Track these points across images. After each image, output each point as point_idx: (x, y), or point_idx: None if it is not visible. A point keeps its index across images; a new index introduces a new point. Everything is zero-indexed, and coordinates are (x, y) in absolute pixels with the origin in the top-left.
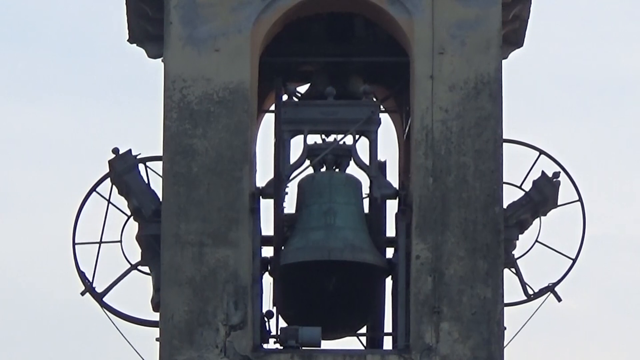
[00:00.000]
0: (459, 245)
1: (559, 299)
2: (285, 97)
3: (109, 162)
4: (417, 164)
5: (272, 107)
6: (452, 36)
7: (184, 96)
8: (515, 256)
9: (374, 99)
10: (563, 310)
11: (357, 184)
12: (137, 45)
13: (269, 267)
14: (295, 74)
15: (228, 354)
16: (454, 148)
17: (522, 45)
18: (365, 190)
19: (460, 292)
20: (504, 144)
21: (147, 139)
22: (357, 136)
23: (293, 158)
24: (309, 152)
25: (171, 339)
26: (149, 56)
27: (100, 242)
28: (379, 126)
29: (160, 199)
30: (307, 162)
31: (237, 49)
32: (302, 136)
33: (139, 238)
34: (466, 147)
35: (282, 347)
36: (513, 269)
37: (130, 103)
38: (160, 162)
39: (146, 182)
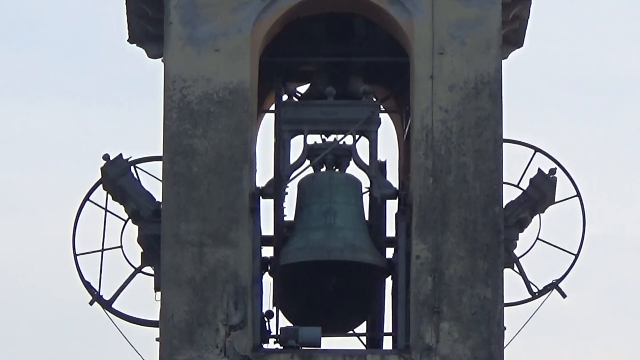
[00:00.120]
0: (459, 245)
1: (564, 295)
2: (285, 97)
3: (101, 169)
4: (417, 164)
5: (272, 107)
6: (452, 36)
7: (184, 96)
8: (517, 255)
9: (374, 99)
10: (563, 310)
11: (357, 184)
12: (137, 45)
13: (269, 267)
14: (295, 74)
15: (228, 354)
16: (454, 148)
17: (522, 45)
18: (366, 190)
19: (460, 292)
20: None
21: (147, 139)
22: (357, 136)
23: (293, 158)
24: (309, 152)
25: (171, 339)
26: (149, 56)
27: (103, 250)
28: (379, 126)
29: (156, 199)
30: (307, 162)
31: (237, 49)
32: (302, 136)
33: (140, 240)
34: (466, 147)
35: (282, 347)
36: (516, 268)
37: (130, 103)
38: (151, 163)
39: (140, 184)
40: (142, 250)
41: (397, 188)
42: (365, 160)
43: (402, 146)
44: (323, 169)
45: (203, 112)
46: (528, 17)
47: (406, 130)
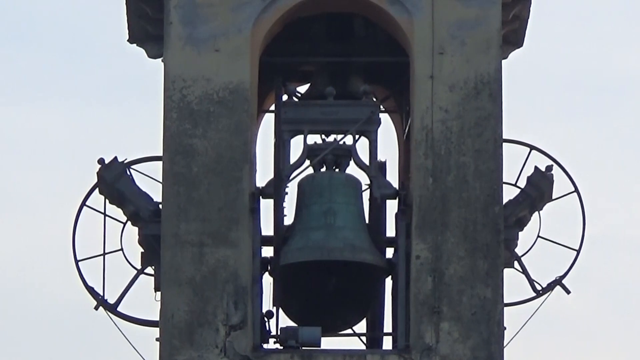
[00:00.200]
0: (459, 245)
1: (568, 292)
2: (285, 97)
3: (97, 173)
4: (417, 164)
5: (272, 107)
6: (452, 36)
7: (184, 96)
8: (519, 254)
9: (374, 99)
10: (563, 310)
11: (357, 184)
12: (137, 45)
13: (269, 267)
14: (295, 74)
15: (228, 354)
16: (454, 148)
17: (522, 45)
18: (366, 186)
19: (460, 292)
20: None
21: (147, 139)
22: (357, 136)
23: (293, 158)
24: (309, 152)
25: (171, 339)
26: (149, 56)
27: (104, 254)
28: (379, 126)
29: (154, 199)
30: (307, 162)
31: (237, 49)
32: (302, 136)
33: (141, 241)
34: (466, 147)
35: (282, 347)
36: (518, 267)
37: (130, 103)
38: (145, 164)
39: (137, 185)
40: (142, 250)
41: (397, 188)
42: (365, 160)
43: (402, 146)
44: (323, 169)
45: (203, 112)
46: (528, 17)
47: (406, 130)
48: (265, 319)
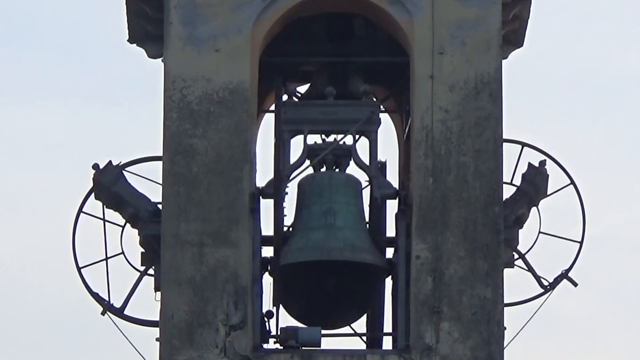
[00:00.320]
0: (459, 245)
1: (575, 284)
2: (285, 97)
3: (93, 178)
4: (417, 164)
5: (272, 107)
6: (452, 36)
7: (184, 96)
8: (522, 251)
9: (374, 99)
10: (563, 311)
11: (357, 184)
12: (137, 45)
13: (269, 267)
14: (295, 74)
15: (228, 354)
16: (454, 148)
17: (522, 45)
18: (366, 183)
19: (460, 292)
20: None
21: (146, 139)
22: (357, 136)
23: (293, 158)
24: (309, 152)
25: (171, 339)
26: (149, 56)
27: (107, 259)
28: (379, 126)
29: (151, 199)
30: (307, 162)
31: (237, 49)
32: (302, 136)
33: (142, 242)
34: (466, 147)
35: (282, 347)
36: (523, 265)
37: (130, 103)
38: (138, 165)
39: (133, 187)
40: (143, 251)
41: (397, 188)
42: (365, 160)
43: (402, 146)
44: (323, 169)
45: (203, 112)
46: (528, 17)
47: (406, 130)
48: (265, 319)
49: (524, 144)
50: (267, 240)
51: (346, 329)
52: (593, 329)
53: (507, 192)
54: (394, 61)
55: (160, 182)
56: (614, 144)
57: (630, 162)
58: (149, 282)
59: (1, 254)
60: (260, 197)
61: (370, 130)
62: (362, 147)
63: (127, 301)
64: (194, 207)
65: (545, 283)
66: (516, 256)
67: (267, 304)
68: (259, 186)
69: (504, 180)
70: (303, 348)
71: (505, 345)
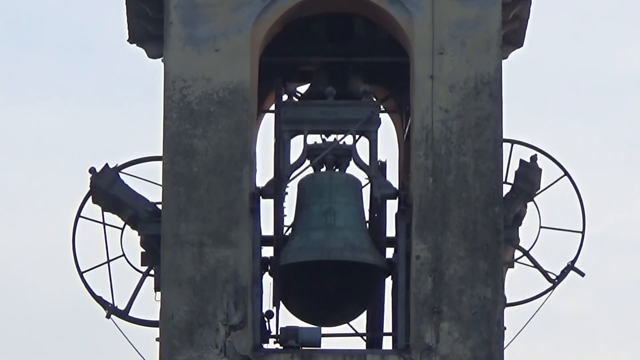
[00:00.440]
0: (459, 245)
1: (582, 274)
2: (285, 97)
3: (90, 182)
4: (417, 164)
5: (272, 107)
6: (452, 36)
7: (184, 96)
8: (525, 248)
9: (374, 99)
10: (563, 311)
11: (357, 184)
12: (137, 45)
13: (269, 267)
14: (295, 74)
15: (228, 354)
16: (454, 148)
17: (522, 45)
18: (366, 181)
19: (460, 292)
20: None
21: (146, 139)
22: (357, 136)
23: (293, 158)
24: (309, 152)
25: (171, 339)
26: (149, 56)
27: (109, 261)
28: (379, 126)
29: (150, 200)
30: (307, 162)
31: (237, 49)
32: (302, 136)
33: (143, 243)
34: (466, 147)
35: (282, 347)
36: (528, 262)
37: (130, 103)
38: (136, 165)
39: (131, 188)
40: (143, 251)
41: (397, 188)
42: (365, 160)
43: (402, 146)
44: (323, 169)
45: (203, 112)
46: (528, 17)
47: (406, 130)
48: (265, 319)
49: (513, 142)
50: (267, 240)
51: (346, 329)
52: (593, 329)
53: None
54: (394, 61)
55: (158, 182)
56: (614, 143)
57: (630, 162)
58: (149, 282)
59: (1, 255)
60: (260, 197)
61: (370, 130)
62: (362, 147)
63: (131, 303)
64: (194, 207)
65: (553, 277)
66: (520, 254)
67: (267, 304)
68: (259, 186)
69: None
70: (303, 348)
71: (505, 346)
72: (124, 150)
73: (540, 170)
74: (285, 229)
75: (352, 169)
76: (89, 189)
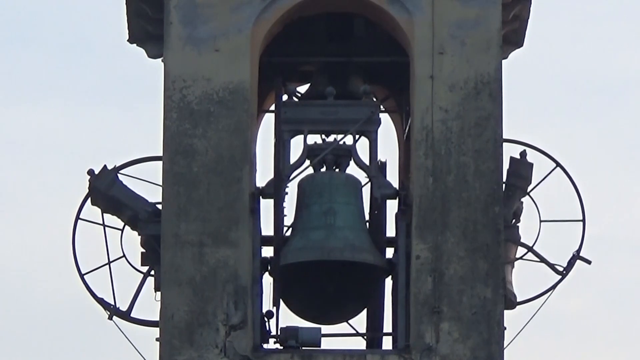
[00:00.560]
0: (459, 245)
1: (589, 262)
2: (285, 97)
3: (89, 185)
4: (417, 164)
5: (272, 107)
6: (452, 36)
7: (184, 96)
8: (529, 244)
9: (374, 99)
10: (563, 311)
11: (357, 184)
12: (137, 45)
13: (269, 267)
14: (295, 74)
15: (228, 354)
16: (454, 148)
17: (522, 45)
18: (366, 179)
19: (460, 292)
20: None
21: (146, 139)
22: (357, 136)
23: (293, 158)
24: (309, 152)
25: (171, 339)
26: (149, 56)
27: (109, 263)
28: (379, 126)
29: (149, 200)
30: (307, 162)
31: (237, 49)
32: (302, 136)
33: (143, 243)
34: (466, 147)
35: (282, 347)
36: (534, 257)
37: (130, 103)
38: (135, 166)
39: (130, 189)
40: (143, 251)
41: (397, 188)
42: (365, 160)
43: (402, 146)
44: (323, 169)
45: (203, 112)
46: (528, 17)
47: (406, 130)
48: (265, 319)
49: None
50: (267, 240)
51: (346, 329)
52: (593, 329)
53: None
54: (394, 61)
55: (157, 183)
56: (614, 144)
57: (630, 162)
58: (149, 282)
59: (1, 257)
60: (260, 197)
61: (370, 130)
62: (362, 147)
63: (133, 304)
64: (194, 207)
65: (560, 269)
66: (524, 250)
67: (267, 304)
68: (259, 186)
69: None
70: (303, 348)
71: (505, 346)
72: (124, 150)
73: (532, 164)
74: (285, 229)
75: (352, 169)
76: (87, 190)
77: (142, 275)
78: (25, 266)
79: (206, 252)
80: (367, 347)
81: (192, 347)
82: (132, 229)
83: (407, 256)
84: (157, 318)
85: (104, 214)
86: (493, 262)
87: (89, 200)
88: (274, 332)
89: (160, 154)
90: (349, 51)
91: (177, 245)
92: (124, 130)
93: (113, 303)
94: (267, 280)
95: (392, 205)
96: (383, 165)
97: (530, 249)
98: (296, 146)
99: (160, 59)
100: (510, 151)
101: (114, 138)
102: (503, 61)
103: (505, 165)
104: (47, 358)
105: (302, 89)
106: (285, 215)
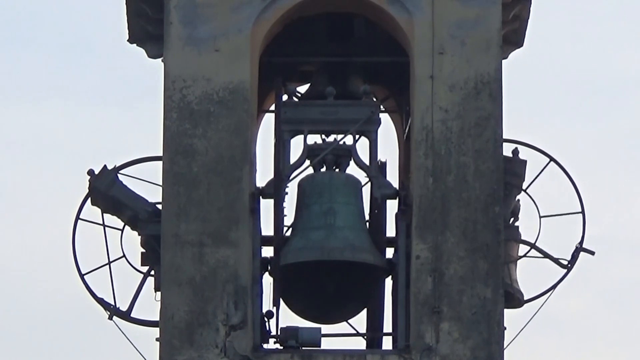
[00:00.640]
0: (459, 245)
1: (592, 253)
2: (285, 97)
3: (89, 185)
4: (417, 164)
5: (272, 107)
6: (452, 36)
7: (184, 96)
8: (531, 241)
9: (374, 99)
10: (563, 311)
11: (357, 184)
12: (137, 45)
13: (269, 267)
14: (295, 74)
15: (228, 354)
16: (454, 148)
17: (522, 45)
18: (366, 179)
19: (460, 292)
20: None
21: (146, 139)
22: (357, 136)
23: (293, 158)
24: (309, 152)
25: (171, 339)
26: (149, 56)
27: (109, 263)
28: (379, 126)
29: (149, 200)
30: (307, 162)
31: (237, 49)
32: (302, 136)
33: (144, 243)
34: (466, 147)
35: (282, 347)
36: (537, 254)
37: (130, 103)
38: (135, 166)
39: (130, 189)
40: (143, 251)
41: (397, 188)
42: (365, 160)
43: (402, 146)
44: (323, 169)
45: (203, 112)
46: (528, 17)
47: (406, 130)
48: (265, 319)
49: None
50: (267, 240)
51: (347, 329)
52: (593, 329)
53: None
54: (394, 61)
55: (157, 183)
56: (614, 144)
57: (631, 162)
58: (149, 282)
59: (1, 257)
60: (260, 197)
61: (370, 130)
62: (362, 147)
63: (133, 304)
64: (194, 207)
65: (565, 262)
66: (527, 248)
67: (267, 304)
68: (259, 186)
69: None
70: (303, 348)
71: (505, 346)
72: (124, 150)
73: (525, 161)
74: (285, 229)
75: (352, 169)
76: (87, 191)
77: (142, 275)
78: (25, 266)
79: (206, 252)
80: (367, 347)
81: (192, 347)
82: (132, 229)
83: (407, 256)
84: (157, 318)
85: (104, 214)
86: (493, 262)
87: (89, 200)
88: (274, 332)
89: (160, 154)
90: (349, 51)
91: (177, 245)
92: (124, 130)
93: (113, 303)
94: (267, 280)
95: (392, 205)
96: (383, 165)
97: (533, 246)
98: (296, 146)
99: (160, 59)
100: (508, 151)
101: (114, 138)
102: (503, 61)
103: None
104: (47, 358)
105: (302, 89)
106: (285, 215)
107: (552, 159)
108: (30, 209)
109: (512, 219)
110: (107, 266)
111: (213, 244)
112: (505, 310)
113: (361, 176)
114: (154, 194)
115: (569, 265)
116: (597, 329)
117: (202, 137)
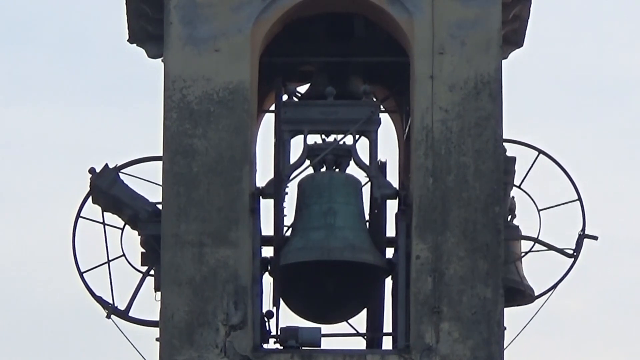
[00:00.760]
0: (459, 245)
1: (596, 238)
2: (285, 97)
3: (90, 183)
4: (417, 164)
5: (272, 107)
6: (452, 36)
7: (184, 96)
8: (533, 236)
9: (374, 99)
10: (563, 311)
11: (357, 184)
12: (137, 45)
13: (269, 267)
14: (295, 74)
15: (228, 354)
16: (454, 148)
17: (522, 45)
18: (366, 179)
19: (460, 292)
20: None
21: (146, 139)
22: (357, 136)
23: (293, 158)
24: (309, 152)
25: (171, 339)
26: (149, 56)
27: (109, 262)
28: (379, 126)
29: (150, 200)
30: (307, 162)
31: (237, 49)
32: (302, 136)
33: (143, 243)
34: (466, 147)
35: (282, 347)
36: (542, 247)
37: (130, 103)
38: (136, 165)
39: (130, 188)
40: (143, 251)
41: (397, 188)
42: (365, 160)
43: (402, 146)
44: (323, 169)
45: (203, 112)
46: (528, 17)
47: (406, 130)
48: (265, 319)
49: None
50: (267, 240)
51: (347, 329)
52: (593, 329)
53: None
54: (394, 61)
55: (158, 182)
56: (614, 144)
57: (630, 163)
58: (149, 282)
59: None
60: (260, 197)
61: (370, 130)
62: (362, 147)
63: (132, 303)
64: (194, 207)
65: (570, 252)
66: (531, 244)
67: (267, 304)
68: (259, 186)
69: None
70: (303, 348)
71: (505, 346)
72: (124, 150)
73: (514, 158)
74: (285, 229)
75: (352, 169)
76: (88, 189)
77: (141, 274)
78: (25, 266)
79: (206, 252)
80: (367, 347)
81: (192, 347)
82: (132, 228)
83: (407, 256)
84: (156, 318)
85: (105, 213)
86: (493, 262)
87: (90, 198)
88: (274, 332)
89: (161, 154)
90: (349, 51)
91: (177, 245)
92: (124, 130)
93: (111, 302)
94: (267, 280)
95: (392, 205)
96: (383, 165)
97: (536, 240)
98: (296, 146)
99: (160, 59)
100: (516, 152)
101: (114, 138)
102: (503, 61)
103: None
104: (47, 357)
105: (302, 89)
106: (285, 215)
107: (540, 151)
108: (30, 208)
109: (509, 217)
110: (107, 265)
111: (213, 244)
112: (506, 310)
113: (361, 176)
114: (154, 194)
115: (575, 254)
116: (597, 328)
117: (202, 137)
